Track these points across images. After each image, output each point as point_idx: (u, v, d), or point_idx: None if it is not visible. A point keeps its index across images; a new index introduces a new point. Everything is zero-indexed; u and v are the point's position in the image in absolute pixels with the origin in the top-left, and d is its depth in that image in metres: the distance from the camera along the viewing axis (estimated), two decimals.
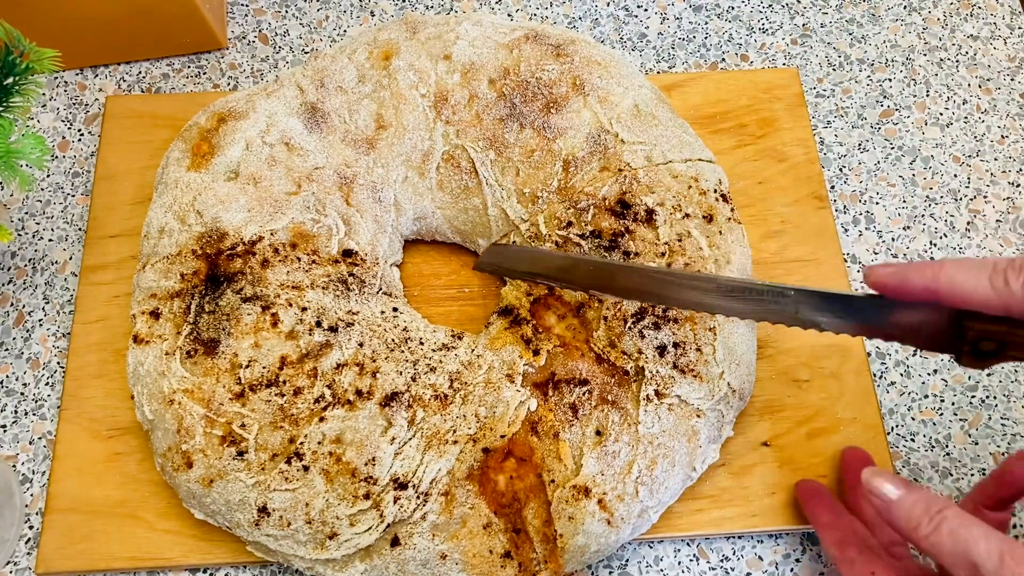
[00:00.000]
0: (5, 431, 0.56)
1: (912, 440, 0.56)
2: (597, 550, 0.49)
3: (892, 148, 0.66)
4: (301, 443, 0.48)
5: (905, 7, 0.72)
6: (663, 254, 0.53)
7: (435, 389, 0.50)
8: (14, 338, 0.59)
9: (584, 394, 0.50)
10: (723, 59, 0.70)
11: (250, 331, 0.50)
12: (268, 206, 0.54)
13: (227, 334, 0.50)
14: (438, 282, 0.60)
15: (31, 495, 0.54)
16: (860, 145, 0.66)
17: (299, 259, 0.53)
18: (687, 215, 0.54)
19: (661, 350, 0.51)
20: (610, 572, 0.53)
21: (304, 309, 0.51)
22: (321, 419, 0.48)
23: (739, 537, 0.53)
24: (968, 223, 0.63)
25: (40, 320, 0.59)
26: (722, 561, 0.53)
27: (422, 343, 0.52)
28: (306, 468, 0.47)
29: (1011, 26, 0.71)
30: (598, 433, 0.49)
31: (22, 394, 0.57)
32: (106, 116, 0.64)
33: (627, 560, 0.53)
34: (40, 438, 0.56)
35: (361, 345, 0.51)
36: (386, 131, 0.57)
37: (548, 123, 0.57)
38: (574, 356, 0.51)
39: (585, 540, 0.48)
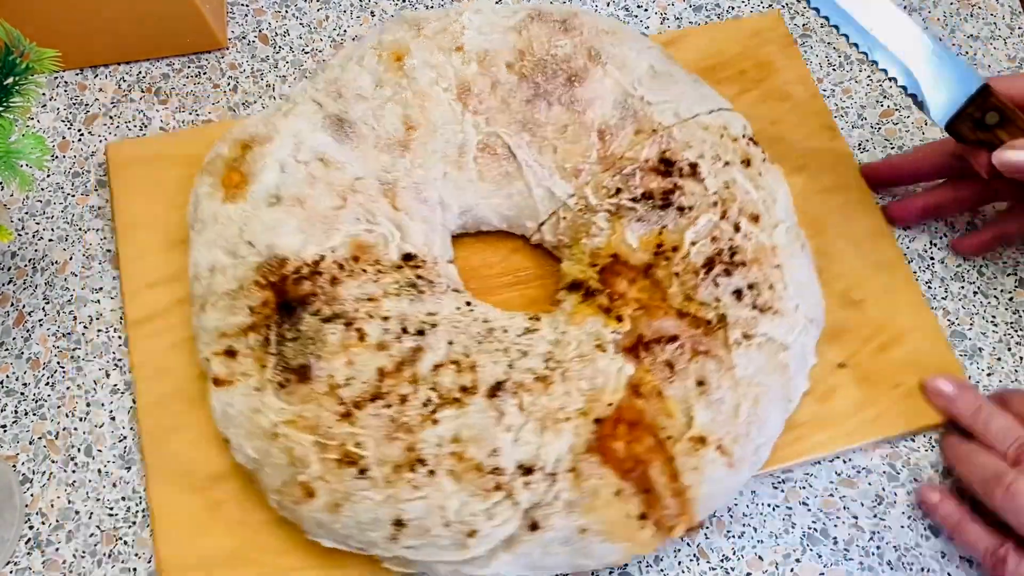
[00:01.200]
0: (5, 431, 0.55)
1: (912, 440, 0.57)
2: (722, 494, 0.50)
3: (892, 148, 0.66)
4: (421, 449, 0.47)
5: (905, 7, 0.72)
6: (715, 204, 0.54)
7: (534, 372, 0.50)
8: (14, 338, 0.57)
9: (676, 349, 0.51)
10: None
11: (339, 350, 0.49)
12: (319, 224, 0.53)
13: (316, 357, 0.49)
14: (491, 271, 0.60)
15: (31, 495, 0.53)
16: (860, 145, 0.66)
17: (365, 271, 0.52)
18: (727, 163, 0.56)
19: (738, 294, 0.52)
20: (610, 572, 0.53)
21: (385, 318, 0.51)
22: (434, 422, 0.48)
23: (740, 536, 0.53)
24: (968, 223, 0.64)
25: (40, 320, 0.58)
26: (722, 561, 0.53)
27: (506, 331, 0.52)
28: (432, 472, 0.47)
29: (1011, 26, 0.71)
30: (700, 383, 0.50)
31: (22, 394, 0.56)
32: (110, 166, 0.61)
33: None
34: (40, 438, 0.54)
35: (451, 343, 0.51)
36: (416, 131, 0.57)
37: (574, 96, 0.57)
38: (656, 315, 0.52)
39: (710, 487, 0.49)
